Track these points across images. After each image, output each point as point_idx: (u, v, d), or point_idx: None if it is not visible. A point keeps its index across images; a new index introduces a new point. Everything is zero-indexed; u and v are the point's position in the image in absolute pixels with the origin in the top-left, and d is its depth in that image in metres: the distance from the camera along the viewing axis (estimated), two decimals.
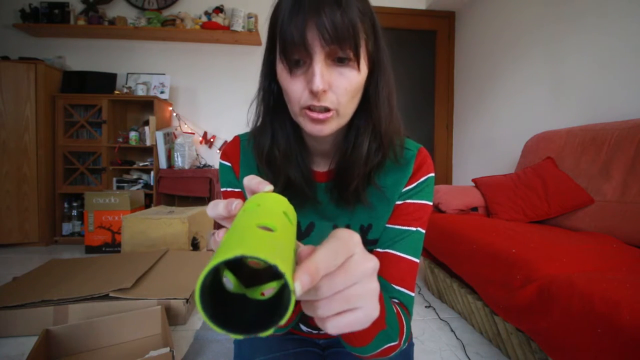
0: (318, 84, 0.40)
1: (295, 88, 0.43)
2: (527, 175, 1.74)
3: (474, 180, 1.96)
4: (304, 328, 0.63)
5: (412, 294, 0.51)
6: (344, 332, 0.25)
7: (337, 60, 0.42)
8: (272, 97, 0.51)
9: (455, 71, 3.29)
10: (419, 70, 3.28)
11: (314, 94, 0.42)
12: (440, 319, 1.48)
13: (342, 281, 0.24)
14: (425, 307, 1.62)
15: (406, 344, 0.46)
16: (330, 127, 0.45)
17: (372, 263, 0.26)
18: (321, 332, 0.63)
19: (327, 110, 0.43)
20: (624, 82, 1.64)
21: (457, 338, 1.32)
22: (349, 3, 0.40)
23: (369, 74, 0.47)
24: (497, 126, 2.62)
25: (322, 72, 0.40)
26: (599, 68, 1.77)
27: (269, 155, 0.51)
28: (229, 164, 0.57)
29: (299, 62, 0.42)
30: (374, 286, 0.26)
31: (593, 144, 1.57)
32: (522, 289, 0.98)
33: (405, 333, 0.45)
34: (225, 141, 3.09)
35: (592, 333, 0.75)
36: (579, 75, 1.89)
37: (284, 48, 0.41)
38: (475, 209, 1.83)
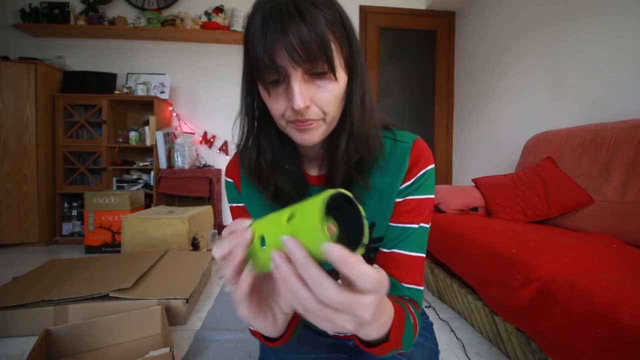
0: (299, 102, 0.40)
1: (277, 107, 0.43)
2: (527, 175, 1.74)
3: (474, 180, 1.96)
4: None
5: (421, 288, 0.52)
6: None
7: (315, 74, 0.41)
8: (255, 112, 0.51)
9: (455, 71, 3.29)
10: (419, 70, 3.27)
11: (296, 112, 0.42)
12: (440, 319, 1.48)
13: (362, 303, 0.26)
14: (425, 307, 1.61)
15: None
16: (319, 132, 0.45)
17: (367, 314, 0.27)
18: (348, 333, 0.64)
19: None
20: (624, 82, 1.64)
21: (457, 338, 1.32)
22: (314, 15, 0.39)
23: (348, 78, 0.46)
24: (497, 126, 2.62)
25: (301, 90, 0.40)
26: (598, 68, 1.77)
27: (257, 167, 0.52)
28: (231, 180, 0.59)
29: (277, 81, 0.42)
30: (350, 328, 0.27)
31: (593, 144, 1.57)
32: (522, 289, 0.97)
33: (417, 332, 0.46)
34: (226, 141, 3.09)
35: (592, 333, 0.75)
36: (579, 75, 1.89)
37: (258, 71, 0.42)
38: (475, 209, 1.83)
